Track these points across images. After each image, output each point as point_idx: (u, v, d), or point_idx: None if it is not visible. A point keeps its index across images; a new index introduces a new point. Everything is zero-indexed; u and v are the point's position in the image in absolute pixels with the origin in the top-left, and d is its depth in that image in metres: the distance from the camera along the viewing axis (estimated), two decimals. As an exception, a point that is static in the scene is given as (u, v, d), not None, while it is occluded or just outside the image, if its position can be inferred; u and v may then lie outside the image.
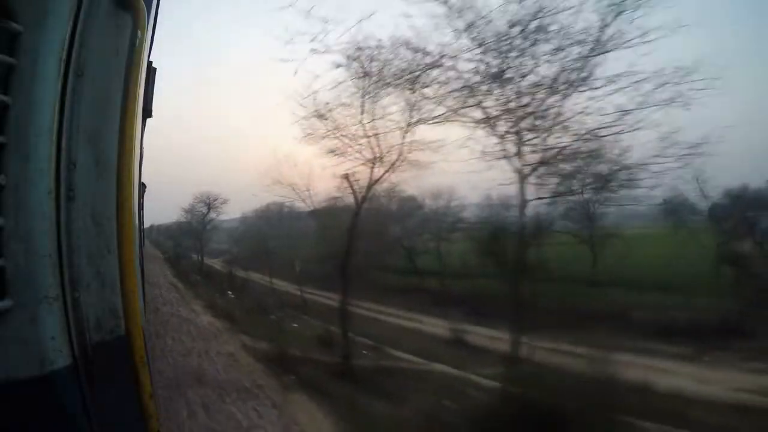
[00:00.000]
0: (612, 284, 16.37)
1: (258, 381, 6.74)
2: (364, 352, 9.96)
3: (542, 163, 6.96)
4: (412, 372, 8.55)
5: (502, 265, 10.87)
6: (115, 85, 1.03)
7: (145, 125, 2.75)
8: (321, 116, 8.73)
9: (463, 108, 7.10)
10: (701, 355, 10.57)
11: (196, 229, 22.74)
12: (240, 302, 13.63)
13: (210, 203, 19.10)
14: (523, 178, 6.94)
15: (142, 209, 5.54)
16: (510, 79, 6.64)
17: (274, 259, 14.51)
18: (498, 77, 6.64)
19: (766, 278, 14.80)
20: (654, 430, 5.91)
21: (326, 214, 11.85)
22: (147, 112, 2.17)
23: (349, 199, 10.78)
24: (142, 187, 5.26)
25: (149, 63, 1.72)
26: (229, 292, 15.45)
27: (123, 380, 0.99)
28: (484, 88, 6.81)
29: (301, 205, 12.30)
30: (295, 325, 11.80)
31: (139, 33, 1.07)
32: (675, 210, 19.30)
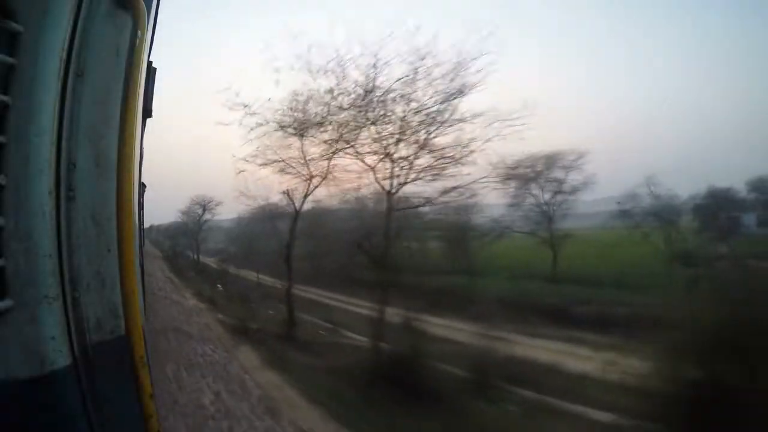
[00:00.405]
0: (552, 279, 19.16)
1: (220, 338, 9.96)
2: (321, 332, 12.22)
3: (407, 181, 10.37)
4: (342, 344, 10.83)
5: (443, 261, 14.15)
6: (115, 85, 1.03)
7: (145, 125, 2.75)
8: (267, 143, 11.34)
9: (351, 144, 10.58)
10: (607, 342, 11.05)
11: (192, 229, 24.30)
12: (225, 293, 15.64)
13: (205, 205, 20.58)
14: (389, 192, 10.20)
15: (142, 209, 5.54)
16: (383, 125, 10.17)
17: (262, 256, 15.56)
18: (374, 123, 10.17)
19: (704, 275, 14.41)
20: (519, 392, 7.79)
21: (301, 219, 13.88)
22: (147, 112, 2.17)
23: (320, 205, 13.55)
24: (142, 187, 5.26)
25: (149, 63, 1.72)
26: (218, 285, 16.90)
27: (123, 380, 0.99)
28: (363, 131, 10.39)
29: (288, 210, 13.87)
30: (270, 312, 13.38)
31: (139, 33, 1.07)
32: (628, 213, 22.27)
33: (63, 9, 0.90)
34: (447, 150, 9.90)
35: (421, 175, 10.03)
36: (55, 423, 0.86)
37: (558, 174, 20.47)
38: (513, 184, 19.16)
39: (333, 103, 10.30)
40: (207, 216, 21.61)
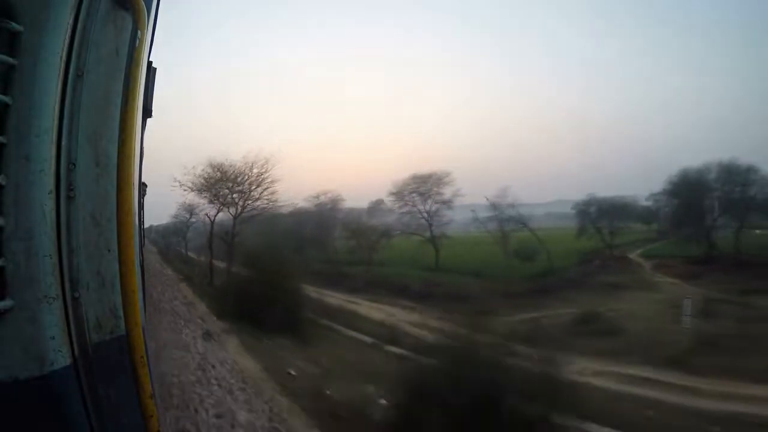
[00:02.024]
0: (430, 269, 26.85)
1: (176, 282, 19.90)
2: (224, 279, 19.77)
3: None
4: (235, 284, 16.21)
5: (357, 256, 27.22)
6: (115, 85, 1.03)
7: (145, 125, 2.74)
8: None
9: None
10: (424, 307, 18.34)
11: (181, 229, 30.04)
12: (198, 274, 22.82)
13: (191, 210, 24.91)
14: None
15: (143, 209, 5.53)
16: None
17: (234, 251, 20.38)
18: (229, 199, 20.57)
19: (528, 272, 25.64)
20: (336, 327, 13.99)
21: (263, 221, 22.61)
22: (147, 112, 2.16)
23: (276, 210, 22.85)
24: (143, 186, 5.25)
25: (149, 63, 1.72)
26: (198, 270, 23.81)
27: (123, 380, 0.99)
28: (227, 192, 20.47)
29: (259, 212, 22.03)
30: (202, 274, 22.25)
31: (139, 33, 1.07)
32: (482, 219, 31.08)
33: (63, 9, 0.90)
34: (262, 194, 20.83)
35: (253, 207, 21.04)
36: (55, 423, 0.86)
37: (434, 189, 29.43)
38: (403, 197, 30.02)
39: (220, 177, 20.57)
40: (193, 219, 26.09)
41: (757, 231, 28.07)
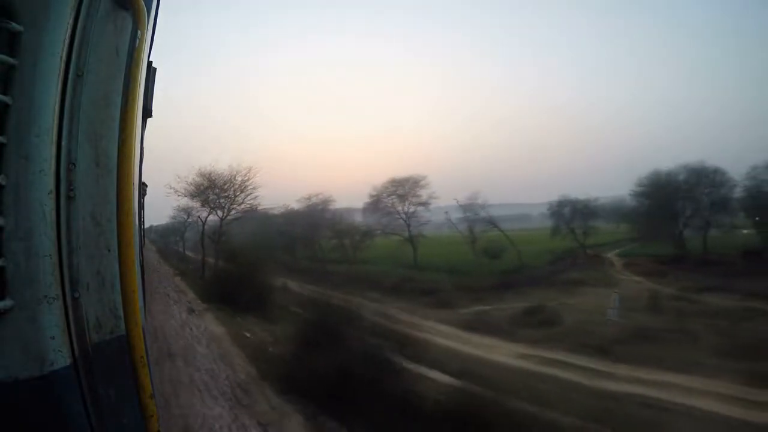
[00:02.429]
0: (408, 266, 28.93)
1: (171, 275, 22.87)
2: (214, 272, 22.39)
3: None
4: (223, 275, 18.19)
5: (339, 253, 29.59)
6: (115, 85, 1.03)
7: (145, 125, 2.75)
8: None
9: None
10: (422, 305, 19.83)
11: (179, 230, 31.97)
12: (191, 269, 25.29)
13: (188, 212, 26.65)
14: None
15: (143, 209, 5.53)
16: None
17: (220, 248, 22.83)
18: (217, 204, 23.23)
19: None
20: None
21: (255, 221, 27.67)
22: (147, 112, 2.17)
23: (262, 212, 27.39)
24: (143, 186, 5.25)
25: (149, 63, 1.72)
26: (192, 267, 26.01)
27: (123, 380, 0.99)
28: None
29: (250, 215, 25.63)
30: (195, 269, 25.38)
31: (139, 33, 1.07)
32: (452, 221, 33.36)
33: (63, 9, 0.90)
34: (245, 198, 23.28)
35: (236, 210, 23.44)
36: (55, 423, 0.86)
37: (411, 192, 31.58)
38: (383, 199, 32.10)
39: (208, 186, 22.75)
40: (190, 220, 27.79)
41: (744, 231, 28.80)
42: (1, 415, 0.80)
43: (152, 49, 1.74)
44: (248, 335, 10.88)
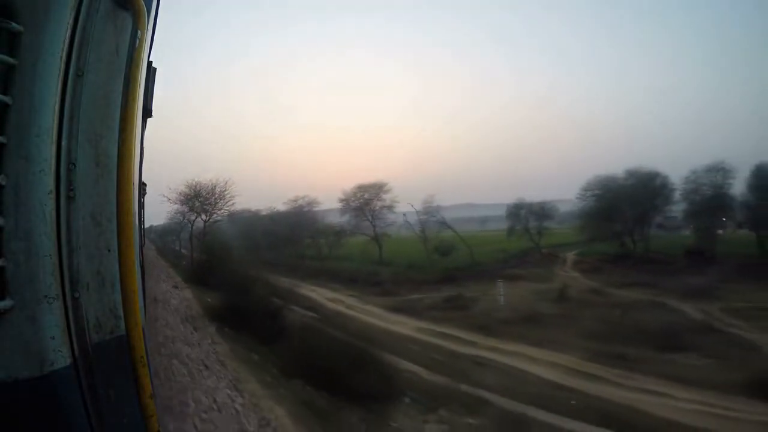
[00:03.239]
0: (376, 262, 32.35)
1: (167, 268, 26.15)
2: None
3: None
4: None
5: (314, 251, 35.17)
6: (115, 85, 1.03)
7: (145, 125, 2.74)
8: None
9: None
10: (368, 294, 23.46)
11: (176, 230, 35.09)
12: (183, 263, 28.76)
13: (183, 215, 29.74)
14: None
15: (143, 209, 5.53)
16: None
17: (203, 245, 26.56)
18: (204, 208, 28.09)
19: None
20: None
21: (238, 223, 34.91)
22: (147, 112, 2.16)
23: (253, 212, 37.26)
24: (143, 186, 5.24)
25: (149, 63, 1.72)
26: (184, 262, 29.01)
27: (123, 380, 0.99)
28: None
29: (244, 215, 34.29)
30: (187, 264, 28.53)
31: (139, 33, 1.07)
32: (410, 222, 37.08)
33: (63, 9, 0.90)
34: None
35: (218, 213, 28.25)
36: (55, 423, 0.86)
37: (376, 196, 35.78)
38: (350, 203, 36.25)
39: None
40: (185, 221, 30.53)
41: (720, 231, 30.28)
42: (1, 415, 0.80)
43: (152, 49, 1.74)
44: (209, 300, 15.25)
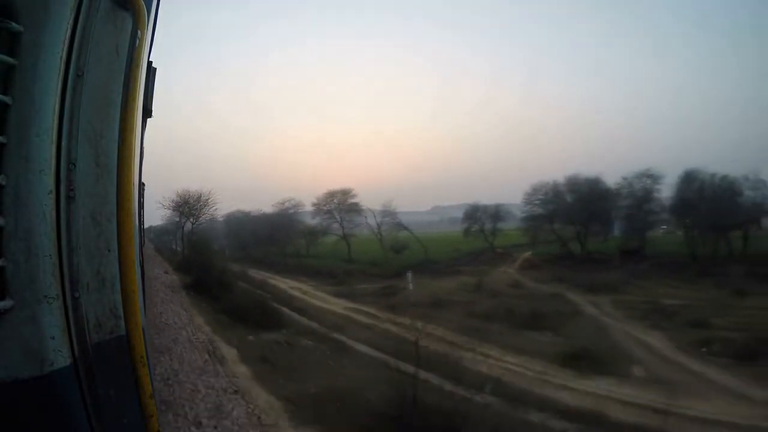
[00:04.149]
0: (344, 260, 36.78)
1: (162, 263, 27.23)
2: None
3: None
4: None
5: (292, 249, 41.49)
6: (115, 85, 1.03)
7: (145, 125, 2.74)
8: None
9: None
10: (325, 284, 27.72)
11: (173, 230, 39.62)
12: (176, 258, 31.40)
13: (177, 217, 35.56)
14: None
15: (142, 209, 5.52)
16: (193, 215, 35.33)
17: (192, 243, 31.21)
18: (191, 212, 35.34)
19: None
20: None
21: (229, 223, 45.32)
22: (147, 112, 2.16)
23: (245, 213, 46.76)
24: (142, 186, 5.24)
25: (149, 63, 1.72)
26: (176, 257, 32.39)
27: (123, 380, 0.99)
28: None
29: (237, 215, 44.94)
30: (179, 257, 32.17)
31: (139, 33, 1.07)
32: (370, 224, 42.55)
33: (63, 9, 0.90)
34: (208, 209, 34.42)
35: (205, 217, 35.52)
36: (55, 423, 0.86)
37: (343, 200, 41.48)
38: (323, 206, 41.91)
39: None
40: (180, 222, 35.79)
41: (662, 228, 34.29)
42: (1, 414, 0.80)
43: (152, 49, 1.74)
44: (187, 280, 19.12)
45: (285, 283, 27.08)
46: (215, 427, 5.57)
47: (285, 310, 16.78)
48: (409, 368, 8.26)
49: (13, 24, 0.83)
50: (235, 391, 6.88)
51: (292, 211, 42.93)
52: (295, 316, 16.50)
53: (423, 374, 8.35)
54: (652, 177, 31.83)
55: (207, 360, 8.38)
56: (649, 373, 11.68)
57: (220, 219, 45.58)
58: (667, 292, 21.47)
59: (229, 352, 9.33)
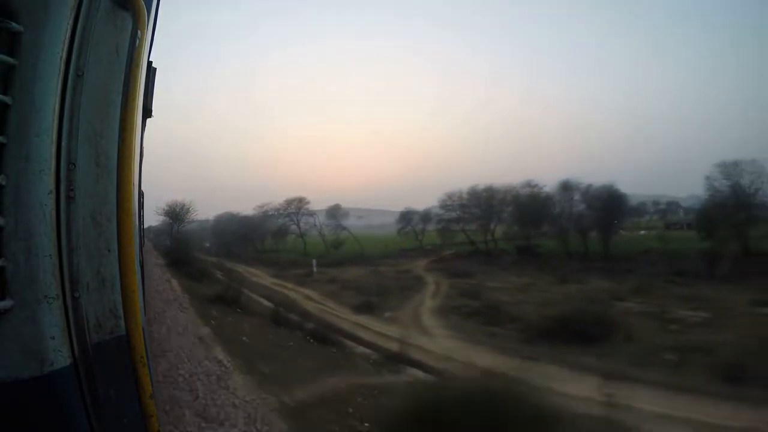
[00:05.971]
0: (298, 253, 46.08)
1: (158, 258, 27.05)
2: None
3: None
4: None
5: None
6: (115, 85, 1.03)
7: (145, 125, 2.74)
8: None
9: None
10: (270, 270, 35.82)
11: (167, 231, 45.31)
12: (164, 250, 34.53)
13: (171, 222, 42.46)
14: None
15: (142, 209, 5.52)
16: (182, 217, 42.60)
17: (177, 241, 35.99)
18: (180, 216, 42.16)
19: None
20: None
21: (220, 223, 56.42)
22: (147, 112, 2.16)
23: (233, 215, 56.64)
24: (141, 194, 5.23)
25: (149, 63, 1.72)
26: (167, 251, 37.07)
27: (123, 380, 0.99)
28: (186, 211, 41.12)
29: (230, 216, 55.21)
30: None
31: (139, 33, 1.07)
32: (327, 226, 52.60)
33: (63, 9, 0.90)
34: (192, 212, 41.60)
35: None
36: (55, 423, 0.86)
37: (299, 206, 51.13)
38: (282, 211, 51.93)
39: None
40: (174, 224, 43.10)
41: (622, 231, 37.24)
42: (1, 415, 0.80)
43: (152, 49, 1.74)
44: (169, 262, 23.71)
45: (248, 271, 33.76)
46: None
47: (227, 280, 21.63)
48: (277, 306, 15.17)
49: (13, 24, 0.83)
50: (168, 281, 16.01)
51: (269, 213, 52.31)
52: (234, 284, 20.78)
53: (282, 309, 14.41)
54: (535, 186, 38.90)
55: (165, 281, 16.07)
56: (403, 319, 17.61)
57: (211, 219, 57.68)
58: (503, 278, 26.61)
59: (175, 282, 15.96)
